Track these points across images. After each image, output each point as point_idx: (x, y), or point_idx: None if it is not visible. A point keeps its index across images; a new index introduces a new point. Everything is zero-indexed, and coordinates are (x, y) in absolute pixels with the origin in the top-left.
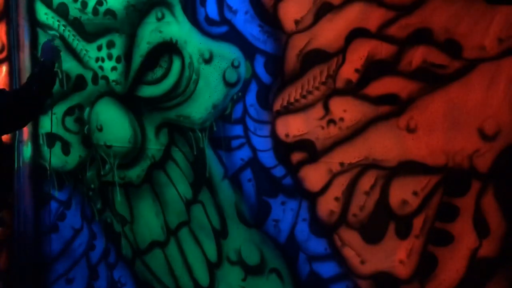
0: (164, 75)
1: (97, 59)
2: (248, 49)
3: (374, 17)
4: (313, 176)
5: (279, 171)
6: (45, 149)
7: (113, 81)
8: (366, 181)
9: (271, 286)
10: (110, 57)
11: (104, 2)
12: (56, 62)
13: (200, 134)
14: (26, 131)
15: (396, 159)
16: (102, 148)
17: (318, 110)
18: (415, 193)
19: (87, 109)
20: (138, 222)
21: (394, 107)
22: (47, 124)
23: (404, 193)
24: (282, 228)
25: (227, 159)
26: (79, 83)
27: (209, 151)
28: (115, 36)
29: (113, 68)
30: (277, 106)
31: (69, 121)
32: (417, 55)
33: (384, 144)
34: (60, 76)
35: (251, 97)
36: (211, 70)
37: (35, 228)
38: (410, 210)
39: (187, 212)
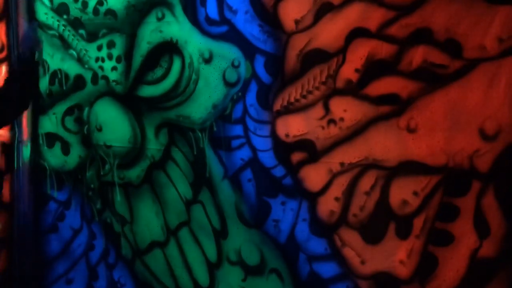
0: (164, 75)
1: (97, 59)
2: (248, 49)
3: (374, 17)
4: (313, 176)
5: (279, 171)
6: (45, 149)
7: (113, 81)
8: (366, 181)
9: (271, 286)
10: (110, 57)
11: (105, 2)
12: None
13: (200, 134)
14: (25, 131)
15: (397, 159)
16: (101, 148)
17: (318, 110)
18: (415, 193)
19: (86, 109)
20: (138, 222)
21: (395, 107)
22: (47, 124)
23: (404, 193)
24: (282, 228)
25: (227, 159)
26: (78, 83)
27: (209, 151)
28: (115, 36)
29: (113, 68)
30: (277, 106)
31: (69, 121)
32: (418, 55)
33: (385, 144)
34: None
35: (251, 97)
36: (211, 70)
37: (34, 228)
38: (410, 210)
39: (187, 212)
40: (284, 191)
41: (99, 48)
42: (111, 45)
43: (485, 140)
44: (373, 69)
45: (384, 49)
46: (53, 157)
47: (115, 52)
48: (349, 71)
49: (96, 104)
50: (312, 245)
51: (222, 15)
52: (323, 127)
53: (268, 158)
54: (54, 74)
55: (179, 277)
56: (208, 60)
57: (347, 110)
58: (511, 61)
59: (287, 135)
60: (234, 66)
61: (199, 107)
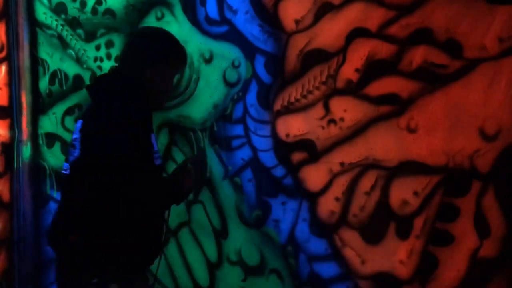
0: None
1: (95, 59)
2: (249, 49)
3: (374, 17)
4: (314, 176)
5: (279, 171)
6: (45, 149)
7: None
8: (367, 181)
9: (271, 286)
10: (109, 56)
11: (104, 2)
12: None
13: (200, 134)
14: (25, 131)
15: (397, 159)
16: None
17: (319, 110)
18: (415, 193)
19: None
20: None
21: (395, 107)
22: (46, 124)
23: (404, 193)
24: (283, 228)
25: (228, 159)
26: (77, 83)
27: (210, 151)
28: (114, 35)
29: None
30: (277, 106)
31: (69, 121)
32: (418, 55)
33: (385, 144)
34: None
35: (251, 97)
36: (211, 70)
37: (34, 228)
38: (410, 210)
39: (187, 212)
40: (285, 191)
41: (98, 47)
42: (109, 44)
43: (485, 140)
44: (373, 69)
45: (384, 49)
46: (53, 157)
47: (114, 52)
48: (349, 71)
49: None
50: (312, 245)
51: (222, 15)
52: (323, 127)
53: (268, 158)
54: (54, 74)
55: (179, 277)
56: (208, 60)
57: (347, 110)
58: (511, 61)
59: (287, 135)
60: (235, 66)
61: (200, 107)
